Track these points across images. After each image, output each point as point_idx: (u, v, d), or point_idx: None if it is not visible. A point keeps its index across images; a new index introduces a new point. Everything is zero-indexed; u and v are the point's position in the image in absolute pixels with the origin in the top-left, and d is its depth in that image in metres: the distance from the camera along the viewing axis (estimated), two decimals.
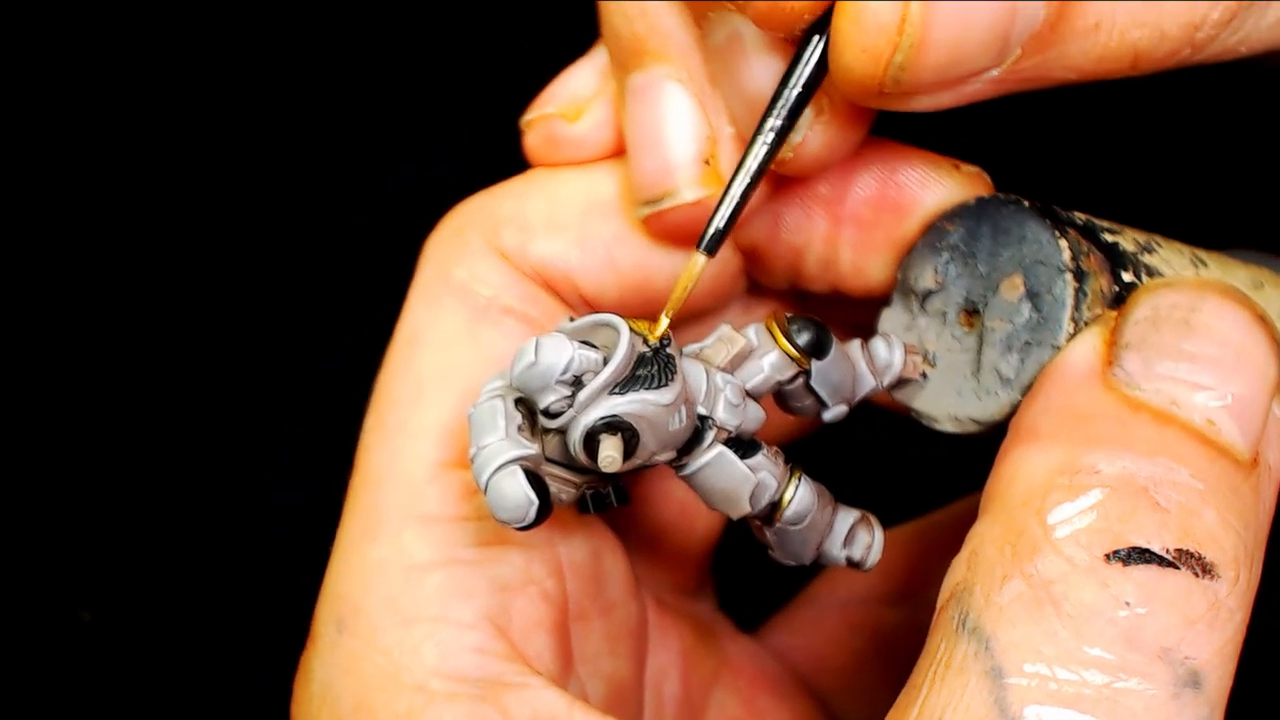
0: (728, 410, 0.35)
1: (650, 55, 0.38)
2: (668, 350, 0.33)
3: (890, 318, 0.40)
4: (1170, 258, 0.37)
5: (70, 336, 0.72)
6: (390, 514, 0.38)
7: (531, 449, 0.33)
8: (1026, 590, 0.31)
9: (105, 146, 0.73)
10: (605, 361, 0.32)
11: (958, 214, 0.38)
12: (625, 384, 0.32)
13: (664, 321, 0.34)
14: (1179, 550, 0.31)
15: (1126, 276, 0.36)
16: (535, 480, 0.33)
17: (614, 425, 0.32)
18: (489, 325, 0.39)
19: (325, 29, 0.73)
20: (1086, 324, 0.35)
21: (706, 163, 0.38)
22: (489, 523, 0.38)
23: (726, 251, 0.40)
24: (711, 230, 0.35)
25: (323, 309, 0.73)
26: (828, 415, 0.37)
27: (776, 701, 0.48)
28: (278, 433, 0.73)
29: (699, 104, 0.37)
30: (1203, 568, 0.31)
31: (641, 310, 0.39)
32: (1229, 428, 0.33)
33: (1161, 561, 0.31)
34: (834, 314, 0.42)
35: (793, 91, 0.34)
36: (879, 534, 0.39)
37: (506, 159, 0.44)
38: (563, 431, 0.33)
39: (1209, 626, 0.31)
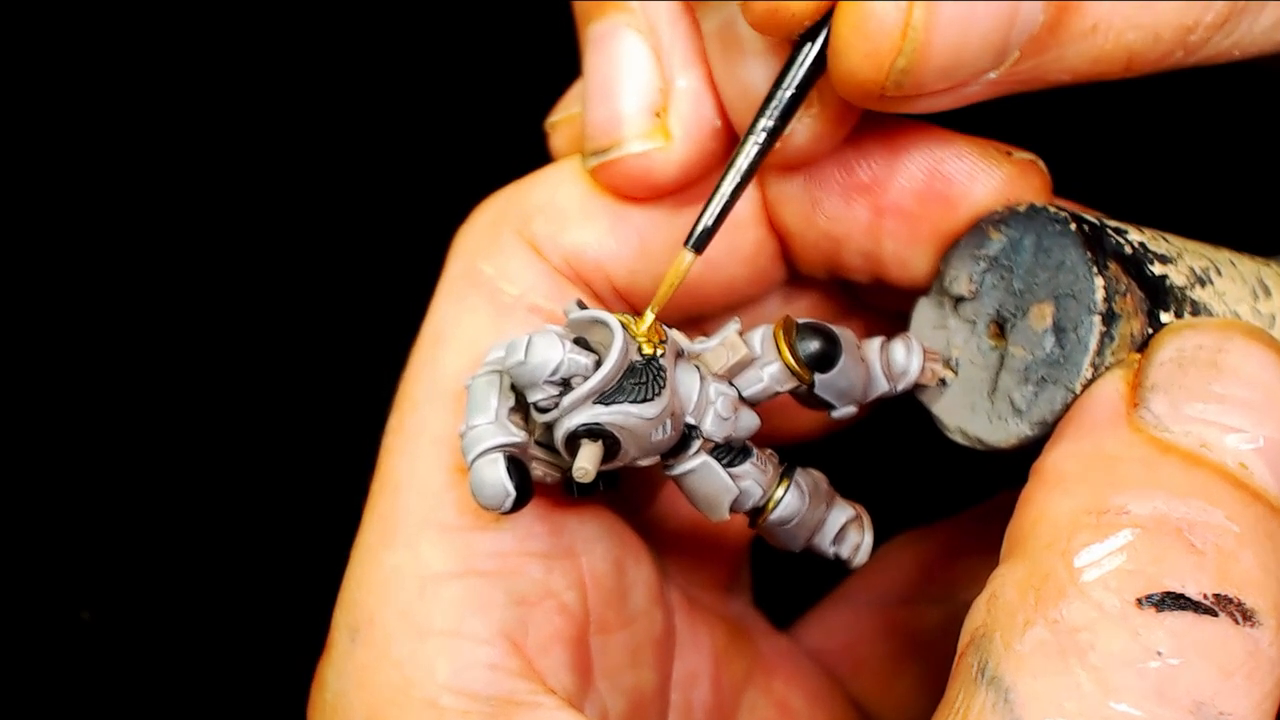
0: (716, 423, 0.35)
1: (611, 4, 0.37)
2: (660, 361, 0.33)
3: (924, 309, 0.39)
4: (1227, 289, 0.36)
5: (71, 336, 0.72)
6: (408, 521, 0.37)
7: (518, 436, 0.34)
8: (1050, 638, 0.29)
9: (117, 147, 0.73)
10: (597, 365, 0.32)
11: (1005, 220, 0.36)
12: (611, 394, 0.32)
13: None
14: (1217, 595, 0.29)
15: (1165, 317, 0.35)
16: (517, 468, 0.34)
17: (595, 432, 0.32)
18: (515, 324, 0.38)
19: (344, 22, 0.73)
20: (1108, 368, 0.34)
21: (657, 115, 0.37)
22: (509, 532, 0.37)
23: (761, 235, 0.39)
24: (700, 228, 0.34)
25: (343, 304, 0.72)
26: (836, 414, 0.37)
27: (811, 704, 0.47)
28: (279, 432, 0.73)
29: (654, 55, 0.37)
30: (1243, 614, 0.29)
31: (677, 300, 0.38)
32: (1261, 471, 0.31)
33: (1198, 608, 0.29)
34: (876, 301, 0.41)
35: (786, 93, 0.34)
36: (869, 536, 0.39)
37: (533, 150, 0.43)
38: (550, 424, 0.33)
39: (1247, 678, 0.29)
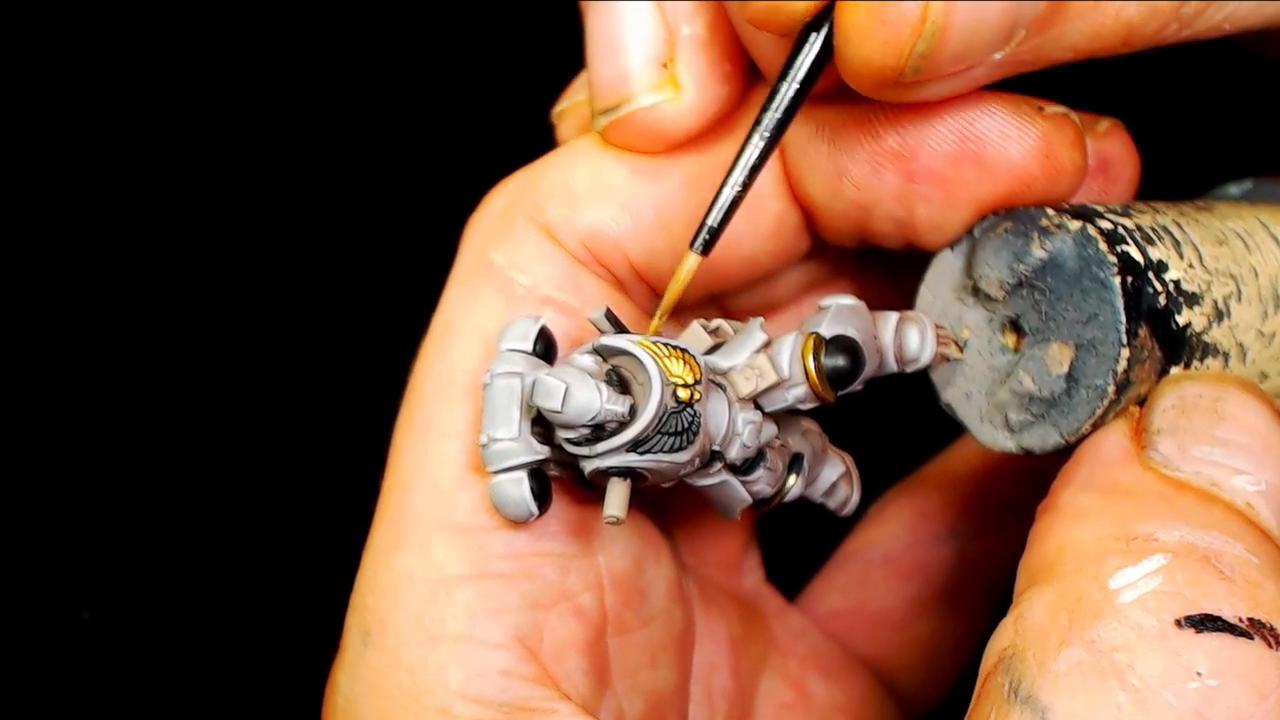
0: (740, 451, 0.35)
1: None
2: (695, 408, 0.32)
3: (944, 266, 0.38)
4: (1240, 318, 0.36)
5: (71, 336, 0.72)
6: (419, 521, 0.36)
7: (541, 454, 0.34)
8: (1087, 658, 0.29)
9: (120, 148, 0.72)
10: (632, 410, 0.32)
11: (1053, 232, 0.35)
12: (646, 442, 0.32)
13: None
14: (1251, 619, 0.29)
15: (1175, 370, 0.35)
16: (539, 481, 0.34)
17: (625, 472, 0.32)
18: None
19: (353, 12, 0.73)
20: (1104, 424, 0.35)
21: (664, 66, 0.36)
22: (524, 533, 0.36)
23: (782, 208, 0.39)
24: (705, 230, 0.34)
25: (354, 297, 0.72)
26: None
27: (828, 682, 0.47)
28: (287, 428, 0.73)
29: (656, 5, 0.36)
30: (1275, 638, 0.29)
31: (697, 277, 0.37)
32: (1265, 513, 0.32)
33: (1235, 630, 0.29)
34: (907, 270, 0.40)
35: (791, 86, 0.34)
36: (857, 490, 0.40)
37: (544, 137, 0.43)
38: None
39: (1279, 704, 0.29)
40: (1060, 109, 0.37)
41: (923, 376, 0.38)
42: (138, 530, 0.71)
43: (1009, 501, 0.48)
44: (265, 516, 0.71)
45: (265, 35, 0.73)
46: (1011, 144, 0.36)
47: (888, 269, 0.43)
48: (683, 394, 0.32)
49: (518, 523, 0.35)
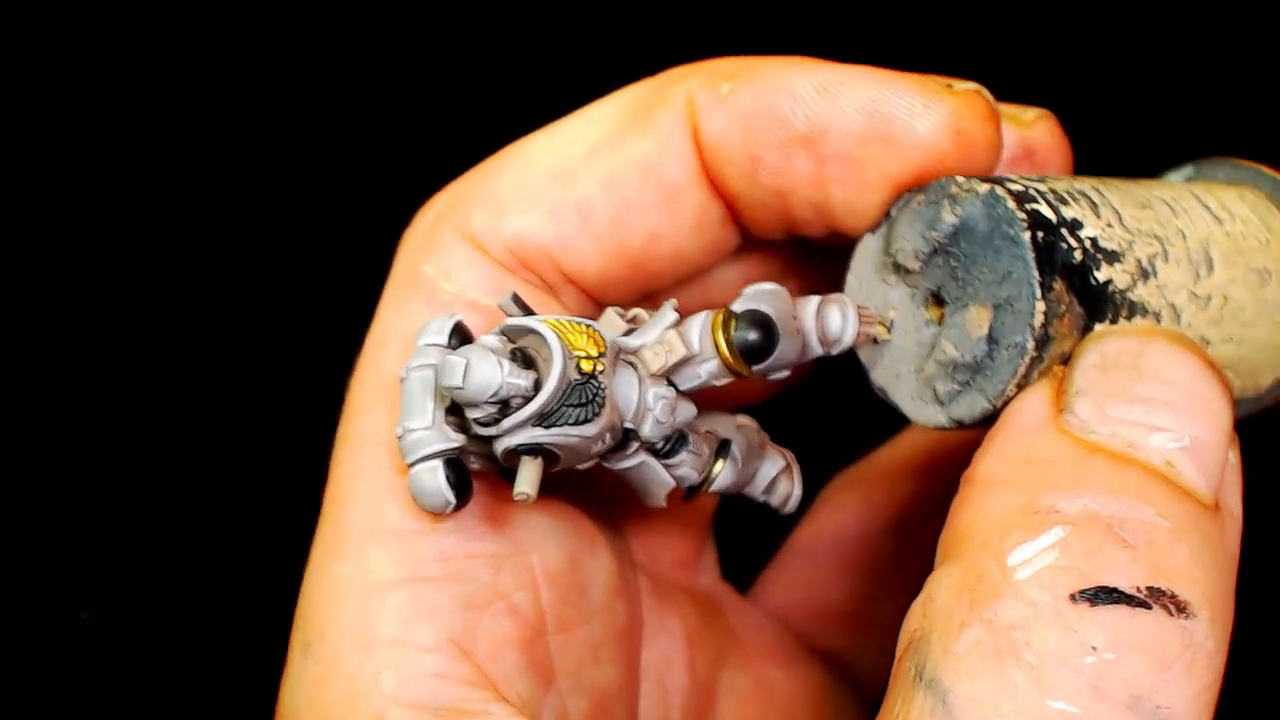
0: (654, 427, 0.34)
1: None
2: (599, 379, 0.32)
3: (867, 250, 0.38)
4: (1169, 278, 0.35)
5: (70, 336, 0.72)
6: (354, 530, 0.36)
7: (455, 441, 0.34)
8: (985, 638, 0.29)
9: (113, 149, 0.73)
10: (537, 385, 0.32)
11: (963, 198, 0.35)
12: (551, 415, 0.32)
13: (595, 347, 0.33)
14: (1150, 588, 0.29)
15: (1099, 328, 0.34)
16: (456, 470, 0.34)
17: (535, 450, 0.32)
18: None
19: (337, 29, 0.73)
20: (1030, 385, 0.34)
21: None
22: (453, 534, 0.36)
23: (702, 200, 0.38)
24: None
25: (337, 306, 0.72)
26: (770, 376, 0.36)
27: (786, 673, 0.47)
28: (282, 431, 0.73)
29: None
30: (1176, 606, 0.29)
31: (626, 276, 0.38)
32: (1189, 470, 0.31)
33: (1132, 601, 0.29)
34: (833, 264, 0.40)
35: None
36: (798, 486, 0.39)
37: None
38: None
39: (1184, 672, 0.29)
40: (971, 85, 0.36)
41: (857, 365, 0.38)
42: (137, 530, 0.71)
43: (954, 487, 0.47)
44: (265, 517, 0.71)
45: (261, 35, 0.73)
46: (919, 120, 0.35)
47: (827, 268, 0.42)
48: (585, 365, 0.32)
49: (438, 514, 0.35)
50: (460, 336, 0.35)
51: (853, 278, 0.38)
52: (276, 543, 0.70)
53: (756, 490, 0.39)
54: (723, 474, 0.37)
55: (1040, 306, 0.33)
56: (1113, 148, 0.43)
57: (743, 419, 0.39)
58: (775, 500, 0.39)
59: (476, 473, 0.35)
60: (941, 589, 0.31)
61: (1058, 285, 0.33)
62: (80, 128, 0.73)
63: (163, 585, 0.71)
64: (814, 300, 0.36)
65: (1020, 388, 0.34)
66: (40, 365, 0.72)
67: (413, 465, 0.34)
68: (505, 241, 0.38)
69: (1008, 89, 0.38)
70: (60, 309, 0.73)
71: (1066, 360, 0.34)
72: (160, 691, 0.70)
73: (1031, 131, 0.38)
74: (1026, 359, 0.33)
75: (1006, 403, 0.34)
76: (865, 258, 0.38)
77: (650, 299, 0.41)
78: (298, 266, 0.73)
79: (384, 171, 0.72)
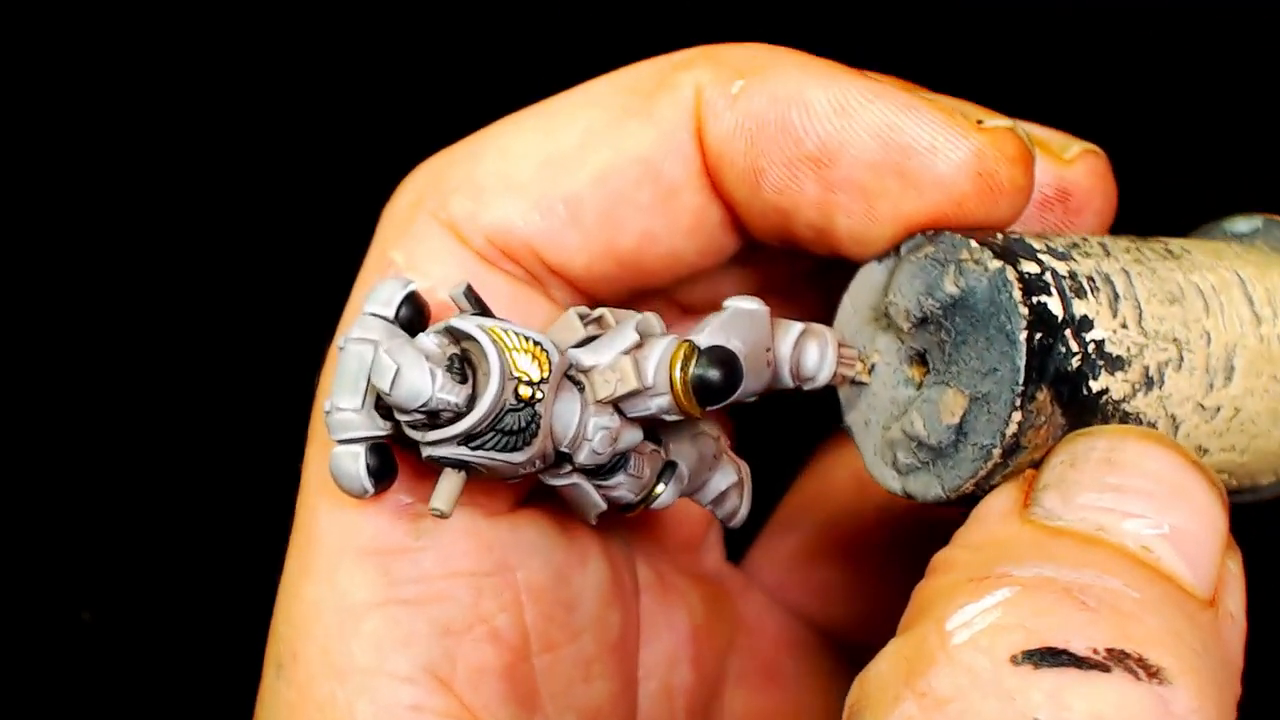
0: (589, 457, 0.32)
1: None
2: (536, 408, 0.31)
3: (869, 279, 0.35)
4: (1176, 388, 0.33)
5: (70, 336, 0.72)
6: (326, 546, 0.35)
7: (383, 429, 0.32)
8: (917, 714, 0.26)
9: (114, 148, 0.72)
10: (471, 401, 0.30)
11: (971, 268, 0.32)
12: (479, 437, 0.30)
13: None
14: (1110, 650, 0.25)
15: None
16: (381, 456, 0.32)
17: (459, 464, 0.31)
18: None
19: (336, 31, 0.72)
20: (991, 488, 0.32)
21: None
22: (431, 553, 0.35)
23: (701, 202, 0.36)
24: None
25: (333, 294, 0.72)
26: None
27: (796, 658, 0.45)
28: (284, 431, 0.72)
29: None
30: (1145, 669, 0.25)
31: (616, 275, 0.36)
32: (1169, 556, 0.28)
33: (1083, 664, 0.25)
34: (839, 274, 0.38)
35: None
36: (746, 504, 0.37)
37: None
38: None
39: None
40: (1005, 122, 0.33)
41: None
42: (138, 530, 0.71)
43: None
44: (265, 517, 0.71)
45: (257, 35, 0.72)
46: (940, 156, 0.32)
47: (832, 276, 0.40)
48: (524, 391, 0.30)
49: (357, 498, 0.33)
50: (414, 308, 0.33)
51: (848, 302, 0.36)
52: (276, 543, 0.70)
53: (704, 500, 0.37)
54: (664, 495, 0.35)
55: (1017, 417, 0.31)
56: (1182, 186, 0.41)
57: (704, 425, 0.36)
58: (721, 514, 0.37)
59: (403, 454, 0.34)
60: (883, 659, 0.28)
61: (1041, 395, 0.31)
62: (61, 116, 0.73)
63: (163, 586, 0.71)
64: (795, 329, 0.34)
65: (979, 487, 0.32)
66: (40, 365, 0.72)
67: (337, 445, 0.32)
68: (485, 231, 0.36)
69: (1011, 89, 0.37)
70: (60, 309, 0.72)
71: (1038, 465, 0.32)
72: (160, 692, 0.70)
73: (1070, 171, 0.35)
74: (990, 464, 0.31)
75: (962, 497, 0.32)
76: (865, 287, 0.35)
77: (643, 299, 0.39)
78: (296, 268, 0.72)
79: (367, 147, 0.71)
